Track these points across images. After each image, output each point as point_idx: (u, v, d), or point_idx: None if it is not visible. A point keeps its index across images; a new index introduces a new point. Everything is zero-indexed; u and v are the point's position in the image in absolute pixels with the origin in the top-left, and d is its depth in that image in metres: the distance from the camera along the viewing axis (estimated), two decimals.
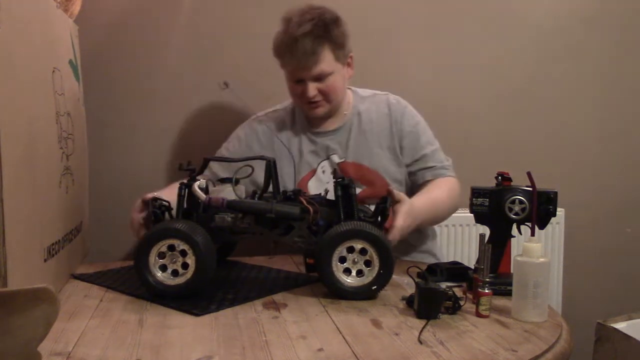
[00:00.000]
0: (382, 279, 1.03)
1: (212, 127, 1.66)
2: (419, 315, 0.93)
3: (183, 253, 1.02)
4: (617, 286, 2.01)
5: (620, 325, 1.42)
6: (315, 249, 1.04)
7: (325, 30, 1.30)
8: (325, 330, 0.88)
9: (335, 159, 1.42)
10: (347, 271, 1.03)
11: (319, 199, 1.11)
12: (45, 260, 0.97)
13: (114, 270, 1.24)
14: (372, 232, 1.02)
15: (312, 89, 1.34)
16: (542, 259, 0.93)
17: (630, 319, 1.48)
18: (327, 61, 1.32)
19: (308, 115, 1.43)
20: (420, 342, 0.82)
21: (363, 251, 1.03)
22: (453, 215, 1.80)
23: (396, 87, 1.56)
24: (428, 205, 1.31)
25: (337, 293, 1.03)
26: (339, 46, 1.34)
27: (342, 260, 1.03)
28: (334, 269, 1.03)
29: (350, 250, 1.03)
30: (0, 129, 0.77)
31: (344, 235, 1.02)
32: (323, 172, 1.42)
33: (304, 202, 1.07)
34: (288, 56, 1.32)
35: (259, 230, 1.08)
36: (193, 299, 1.02)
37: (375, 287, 1.03)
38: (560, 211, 1.83)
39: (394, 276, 1.18)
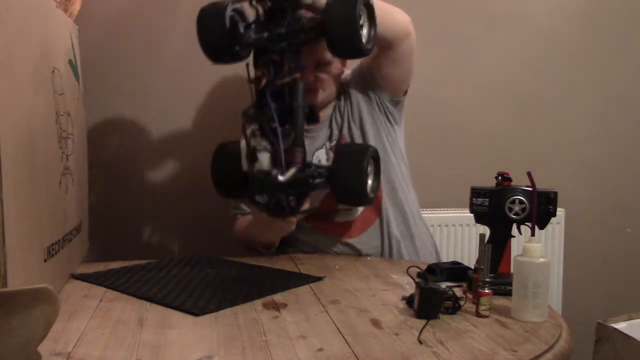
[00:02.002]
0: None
1: (213, 127, 1.66)
2: (419, 315, 0.93)
3: None
4: (617, 286, 2.01)
5: (620, 325, 1.41)
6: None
7: None
8: (325, 330, 0.88)
9: (327, 145, 1.44)
10: None
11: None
12: (45, 260, 0.97)
13: (113, 270, 1.24)
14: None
15: (311, 74, 1.36)
16: (542, 259, 0.93)
17: (630, 319, 1.47)
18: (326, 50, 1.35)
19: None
20: (420, 342, 0.82)
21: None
22: (453, 215, 1.82)
23: None
24: None
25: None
26: None
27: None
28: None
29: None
30: (0, 129, 0.77)
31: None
32: (319, 162, 1.43)
33: None
34: None
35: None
36: (193, 298, 1.02)
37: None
38: (560, 211, 1.83)
39: (393, 276, 1.18)
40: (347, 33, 1.10)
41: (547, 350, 0.82)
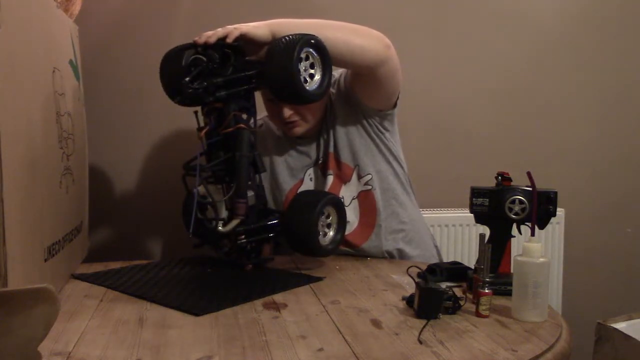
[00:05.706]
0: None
1: None
2: (419, 315, 0.93)
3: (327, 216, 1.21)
4: (617, 286, 2.02)
5: (620, 325, 1.42)
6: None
7: None
8: (325, 330, 0.88)
9: (314, 169, 1.41)
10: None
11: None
12: (45, 260, 0.97)
13: (114, 270, 1.24)
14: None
15: (287, 109, 1.31)
16: (542, 259, 0.93)
17: (630, 319, 1.48)
18: None
19: (288, 135, 1.41)
20: (420, 342, 0.82)
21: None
22: (453, 215, 1.82)
23: None
24: (298, 20, 1.20)
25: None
26: None
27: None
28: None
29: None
30: (0, 129, 0.77)
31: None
32: (310, 179, 1.41)
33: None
34: None
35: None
36: (193, 298, 1.02)
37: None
38: (560, 211, 1.84)
39: (393, 276, 1.18)
40: (288, 84, 1.08)
41: (547, 350, 0.82)
